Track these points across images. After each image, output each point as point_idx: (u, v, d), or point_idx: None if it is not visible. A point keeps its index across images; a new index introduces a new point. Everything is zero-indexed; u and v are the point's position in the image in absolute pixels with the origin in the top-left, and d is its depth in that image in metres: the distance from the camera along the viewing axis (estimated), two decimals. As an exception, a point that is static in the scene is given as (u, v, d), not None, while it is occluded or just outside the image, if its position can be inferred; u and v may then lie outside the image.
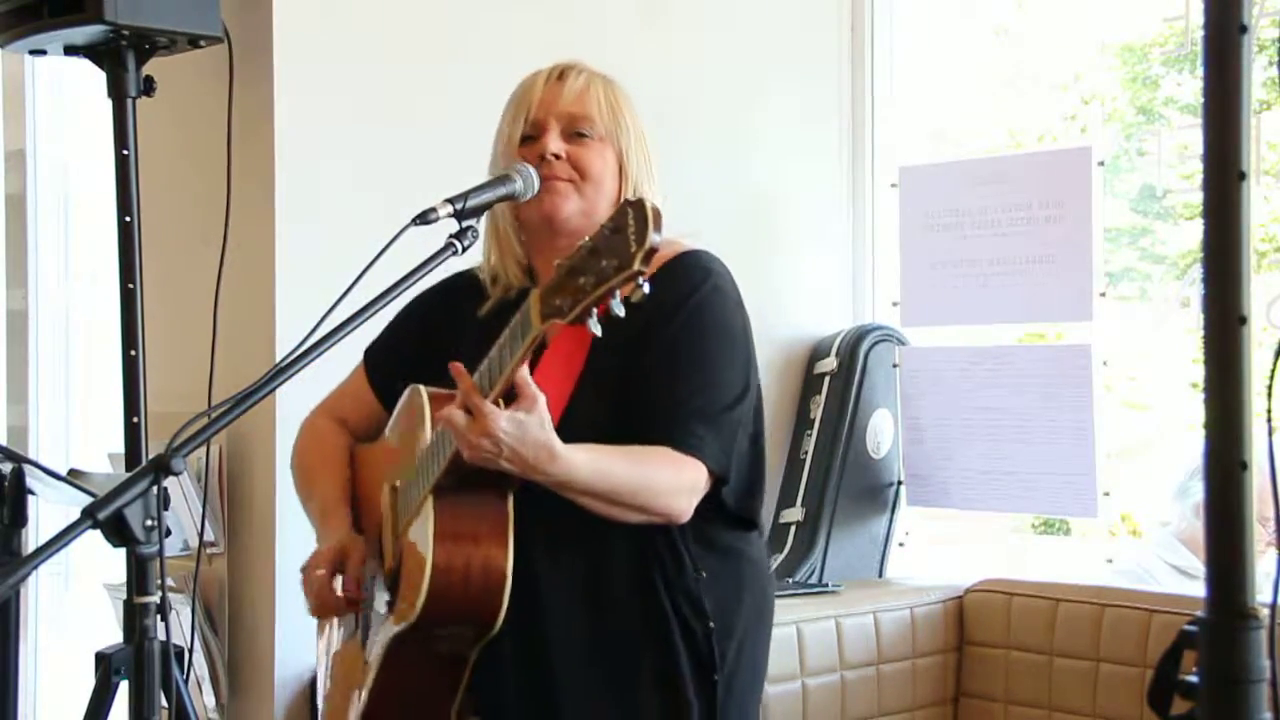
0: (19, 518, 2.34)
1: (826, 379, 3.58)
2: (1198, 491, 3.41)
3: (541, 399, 1.85)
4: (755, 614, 2.15)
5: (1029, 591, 3.17)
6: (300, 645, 2.55)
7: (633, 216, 1.65)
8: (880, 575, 3.58)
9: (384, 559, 2.15)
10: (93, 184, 3.49)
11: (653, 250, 1.63)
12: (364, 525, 2.24)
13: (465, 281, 2.24)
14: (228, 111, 2.80)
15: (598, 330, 1.69)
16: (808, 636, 3.03)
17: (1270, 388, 1.21)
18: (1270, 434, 1.21)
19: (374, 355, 2.34)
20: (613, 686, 2.05)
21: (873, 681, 3.13)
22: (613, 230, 1.67)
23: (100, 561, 3.06)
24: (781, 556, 3.45)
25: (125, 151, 2.63)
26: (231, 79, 2.79)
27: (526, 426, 1.84)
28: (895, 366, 3.57)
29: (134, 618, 2.01)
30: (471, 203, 1.99)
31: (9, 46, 2.65)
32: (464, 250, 1.99)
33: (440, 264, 1.98)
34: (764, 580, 2.21)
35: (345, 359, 2.36)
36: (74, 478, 2.55)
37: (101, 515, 1.57)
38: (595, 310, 1.68)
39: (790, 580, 3.36)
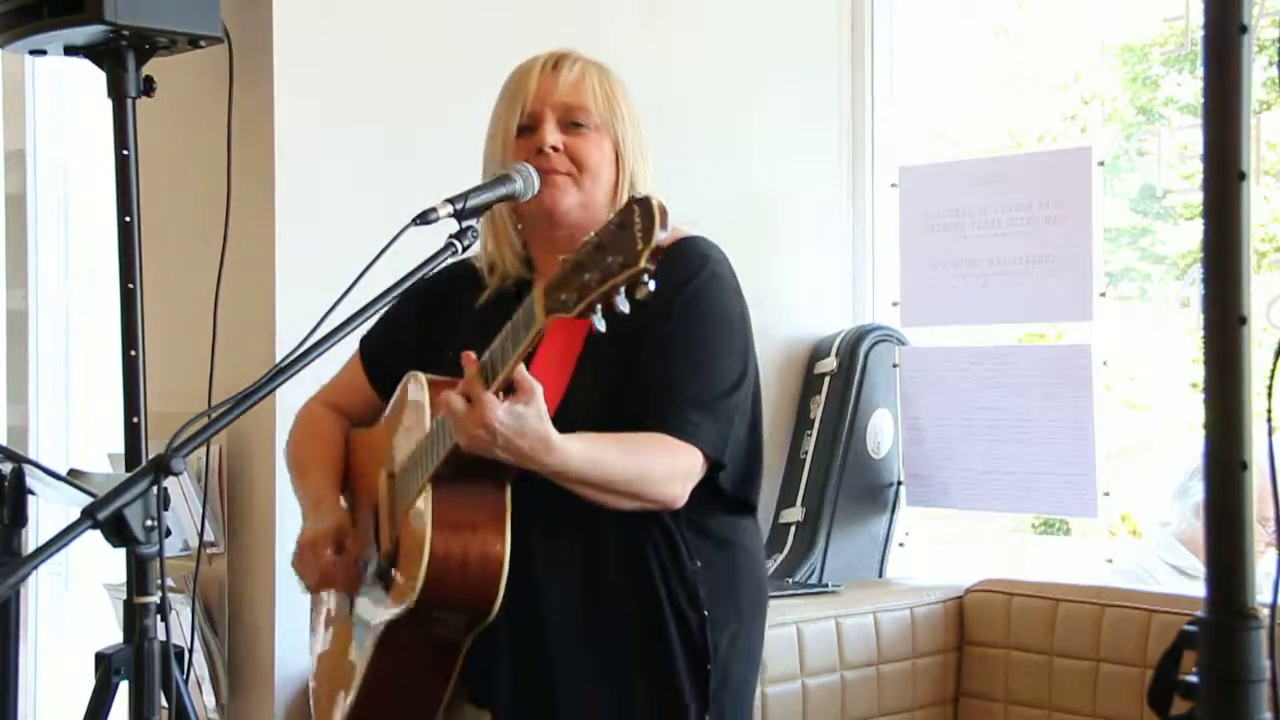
0: (19, 518, 2.34)
1: (826, 379, 3.58)
2: (1198, 491, 3.41)
3: (539, 391, 1.85)
4: (750, 605, 2.16)
5: (1029, 591, 3.17)
6: (300, 645, 2.55)
7: (640, 213, 1.65)
8: (880, 575, 3.58)
9: (380, 544, 2.15)
10: (93, 184, 3.49)
11: (659, 248, 1.63)
12: (357, 509, 2.24)
13: (462, 271, 2.24)
14: (228, 111, 2.80)
15: (602, 326, 1.69)
16: (808, 636, 3.03)
17: (1270, 388, 1.21)
18: (1270, 434, 1.21)
19: (369, 344, 2.34)
20: (608, 672, 2.06)
21: (873, 681, 3.13)
22: (619, 226, 1.66)
23: (100, 561, 3.05)
24: (781, 556, 3.45)
25: (125, 151, 2.63)
26: (231, 79, 2.79)
27: (524, 418, 1.85)
28: (895, 366, 3.57)
29: (134, 618, 2.01)
30: (471, 203, 1.99)
31: (9, 46, 2.65)
32: (464, 250, 1.99)
33: (440, 264, 1.98)
34: (759, 571, 2.22)
35: (345, 359, 2.36)
36: (74, 478, 2.55)
37: (101, 515, 1.57)
38: (599, 306, 1.68)
39: (790, 580, 3.36)
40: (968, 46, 4.15)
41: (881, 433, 3.58)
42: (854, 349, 3.56)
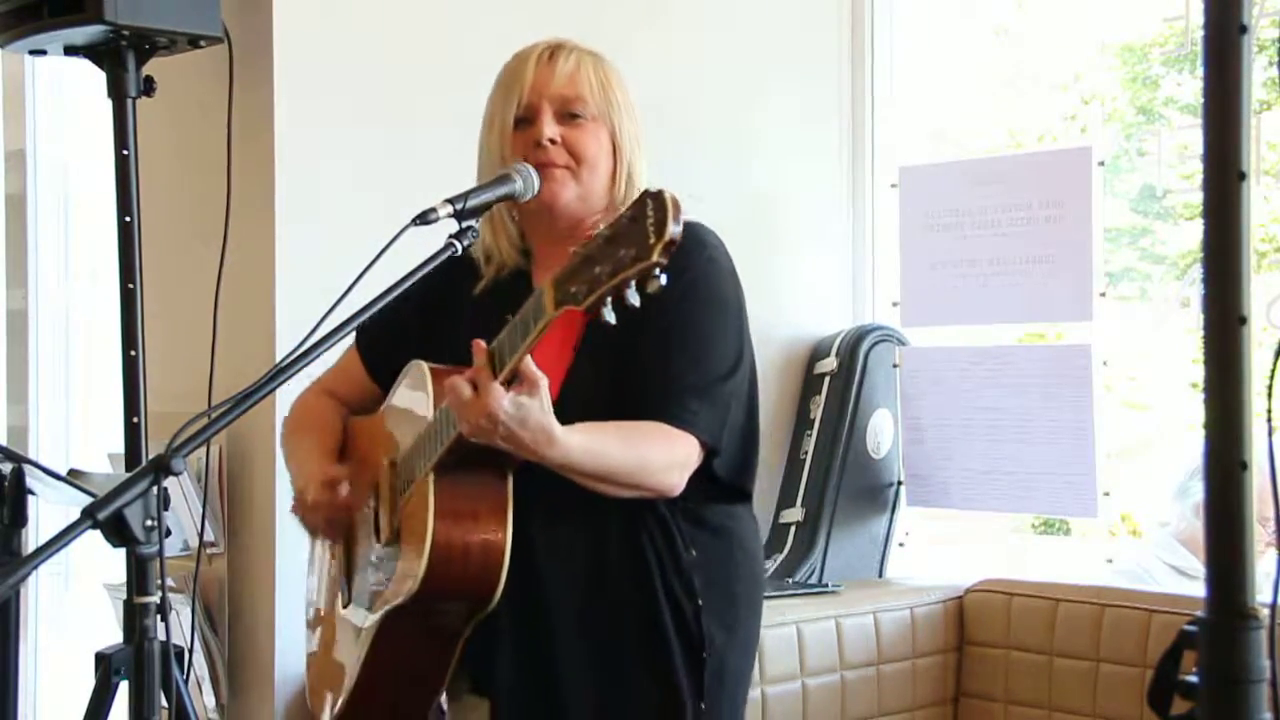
0: (19, 518, 2.34)
1: (826, 379, 3.58)
2: (1197, 491, 3.41)
3: (544, 383, 1.86)
4: (746, 595, 2.16)
5: (1029, 591, 3.17)
6: (300, 645, 2.55)
7: (653, 207, 1.64)
8: (880, 575, 3.58)
9: (380, 532, 2.15)
10: (93, 184, 3.49)
11: (672, 242, 1.63)
12: (357, 496, 2.24)
13: (458, 260, 2.24)
14: (228, 112, 2.80)
15: (612, 319, 1.69)
16: (808, 636, 3.03)
17: (1270, 388, 1.21)
18: (1270, 434, 1.21)
19: (366, 333, 2.33)
20: (606, 660, 2.07)
21: (873, 681, 3.13)
22: (631, 219, 1.66)
23: (100, 561, 3.05)
24: (781, 556, 3.45)
25: (125, 151, 2.63)
26: (231, 79, 2.79)
27: (528, 410, 1.85)
28: (895, 366, 3.57)
29: (134, 618, 2.01)
30: (471, 203, 1.99)
31: (9, 46, 2.65)
32: (464, 250, 1.99)
33: (439, 262, 1.98)
34: (754, 562, 2.23)
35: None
36: (74, 478, 2.55)
37: (101, 515, 1.57)
38: (609, 299, 1.68)
39: (790, 580, 3.36)
40: (968, 46, 4.15)
41: (881, 433, 3.58)
42: (854, 349, 3.56)
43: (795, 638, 3.01)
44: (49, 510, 3.11)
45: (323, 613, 2.37)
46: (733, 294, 2.15)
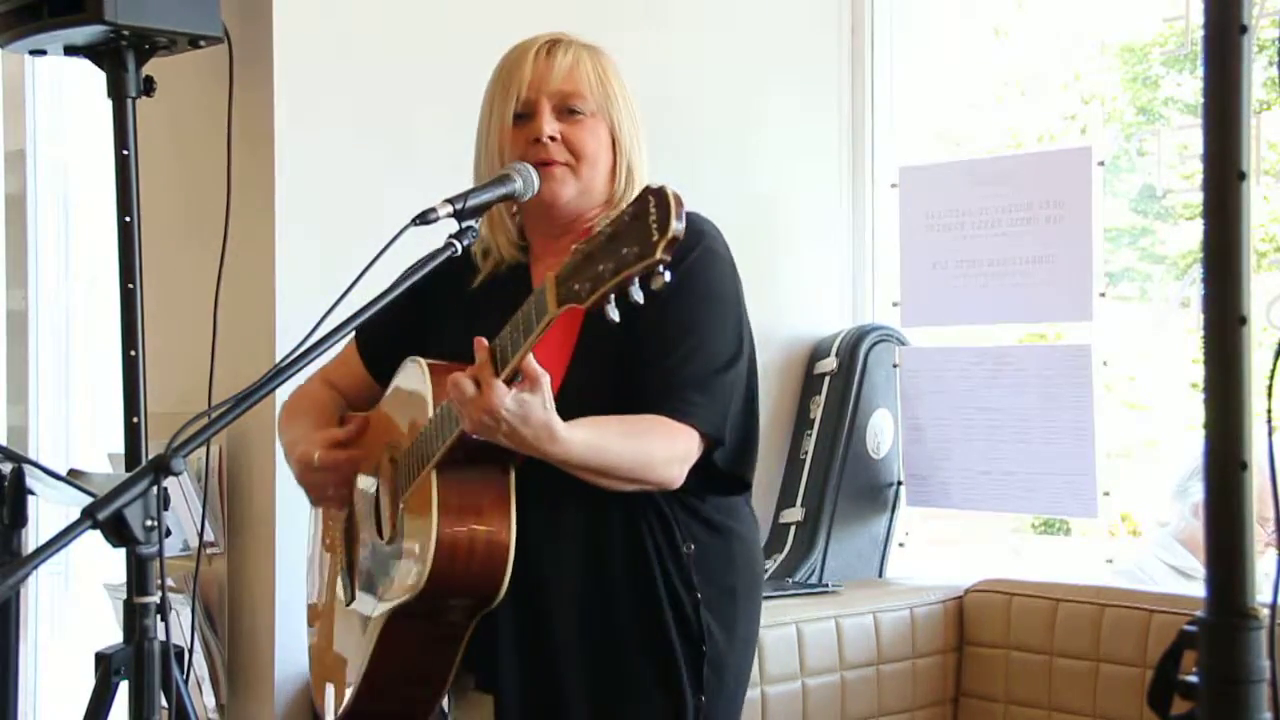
0: (19, 518, 2.34)
1: (826, 379, 3.58)
2: (1197, 491, 3.41)
3: (546, 380, 1.86)
4: (745, 590, 2.16)
5: (1029, 591, 3.17)
6: (300, 645, 2.55)
7: (655, 204, 1.64)
8: (880, 575, 3.58)
9: (382, 529, 2.15)
10: (93, 184, 3.49)
11: (675, 239, 1.63)
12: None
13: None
14: (228, 112, 2.80)
15: (616, 317, 1.69)
16: (808, 636, 3.03)
17: (1270, 388, 1.21)
18: (1270, 434, 1.21)
19: (365, 327, 2.33)
20: (608, 653, 2.07)
21: (873, 681, 3.13)
22: (633, 217, 1.66)
23: (100, 561, 3.06)
24: (781, 556, 3.45)
25: (125, 151, 2.63)
26: (231, 79, 2.79)
27: (530, 407, 1.85)
28: (895, 366, 3.57)
29: (134, 618, 2.00)
30: (471, 203, 1.99)
31: (9, 46, 2.65)
32: (463, 250, 1.99)
33: (438, 262, 1.98)
34: (752, 557, 2.23)
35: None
36: (74, 478, 2.55)
37: (101, 515, 1.57)
38: (613, 296, 1.68)
39: (790, 580, 3.36)
40: (968, 47, 4.14)
41: (881, 433, 3.58)
42: (854, 349, 3.56)
43: (795, 638, 3.01)
44: (49, 510, 3.11)
45: (324, 608, 2.37)
46: (731, 283, 2.14)
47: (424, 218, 1.96)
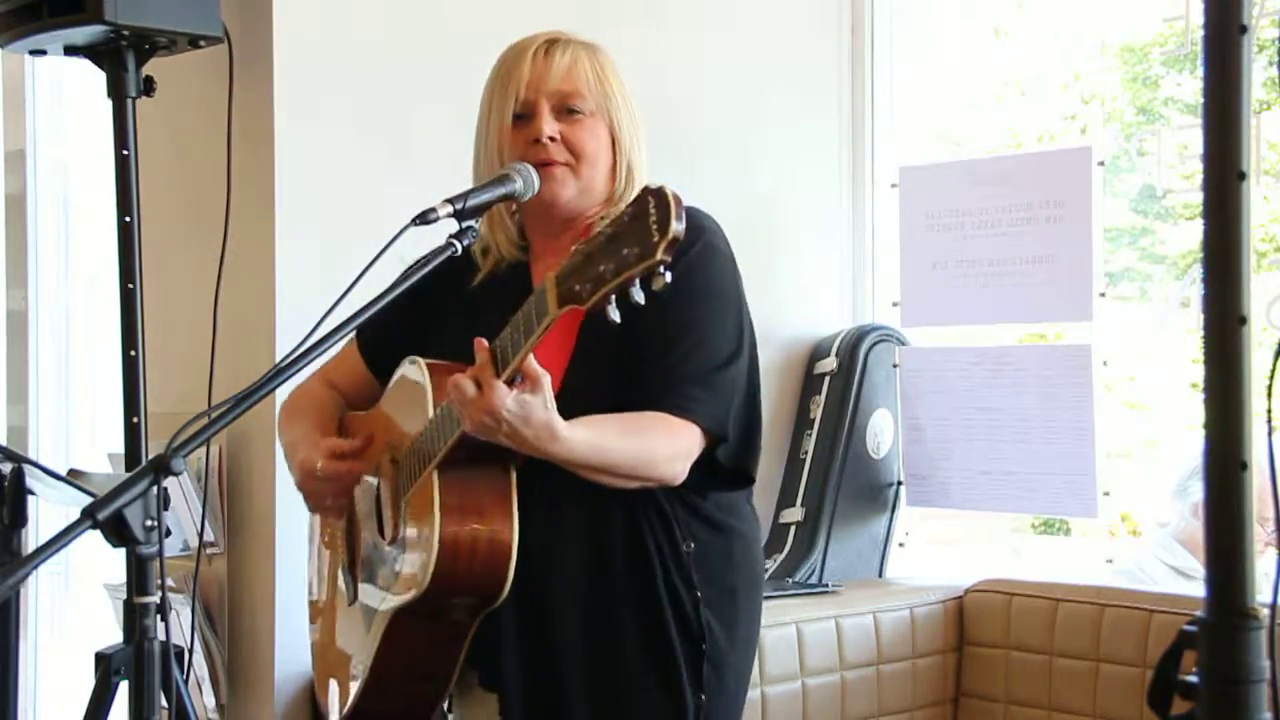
0: (19, 518, 2.34)
1: (826, 379, 3.58)
2: (1196, 491, 3.41)
3: (547, 380, 1.86)
4: (745, 589, 2.16)
5: (1029, 591, 3.17)
6: (300, 645, 2.55)
7: (654, 204, 1.64)
8: (880, 575, 3.58)
9: (384, 530, 2.15)
10: (93, 184, 3.49)
11: (676, 239, 1.63)
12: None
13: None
14: (228, 112, 2.80)
15: (617, 317, 1.69)
16: (808, 636, 3.03)
17: (1270, 388, 1.21)
18: (1270, 434, 1.21)
19: (366, 326, 2.33)
20: (609, 651, 2.07)
21: (873, 681, 3.13)
22: (633, 217, 1.66)
23: (100, 561, 3.06)
24: (781, 556, 3.45)
25: (125, 151, 2.63)
26: (231, 79, 2.79)
27: (531, 407, 1.85)
28: (895, 366, 3.57)
29: (134, 618, 2.01)
30: (471, 203, 1.99)
31: (9, 46, 2.65)
32: (463, 250, 1.99)
33: (438, 261, 1.98)
34: (754, 560, 2.22)
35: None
36: (74, 478, 2.55)
37: (101, 515, 1.57)
38: (613, 297, 1.68)
39: (790, 580, 3.36)
40: (968, 47, 4.15)
41: (881, 433, 3.58)
42: (854, 349, 3.56)
43: (795, 638, 3.01)
44: (49, 510, 3.11)
45: (326, 605, 2.37)
46: (731, 279, 2.14)
47: (424, 218, 1.96)
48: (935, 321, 3.60)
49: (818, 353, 3.62)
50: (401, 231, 1.93)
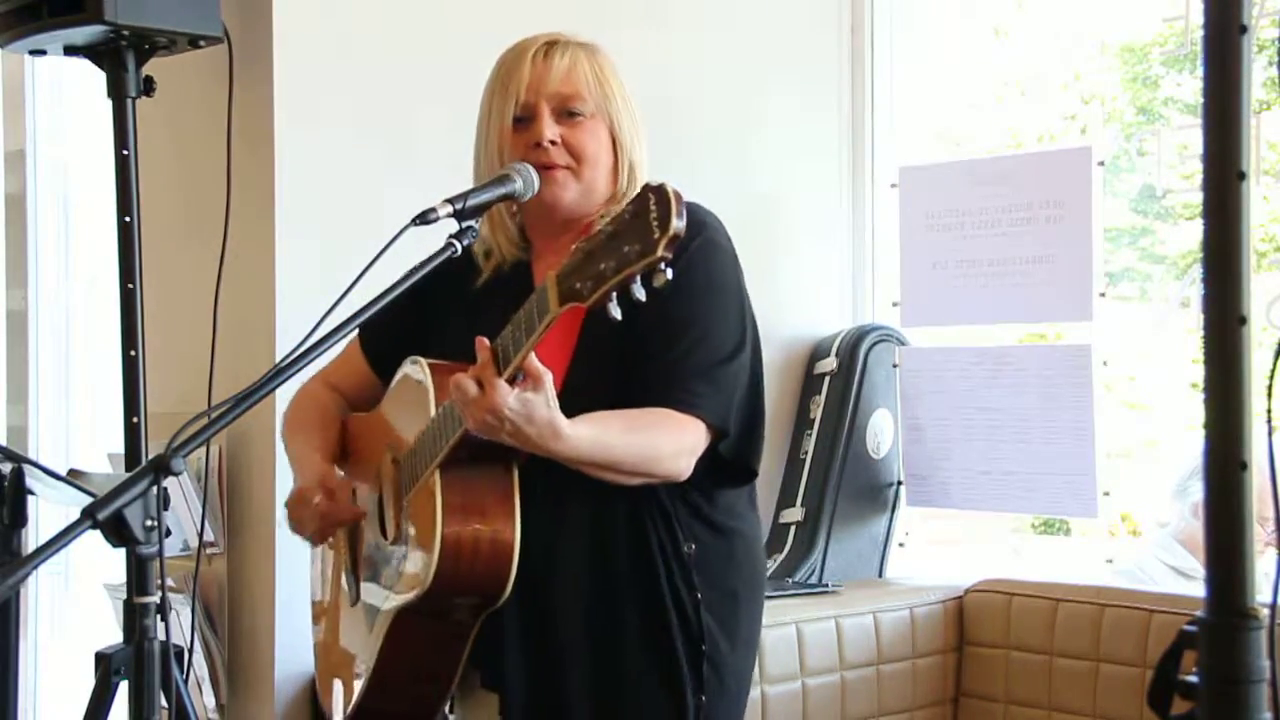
0: (19, 518, 2.34)
1: (826, 379, 3.58)
2: (1196, 491, 3.41)
3: (549, 379, 1.86)
4: (746, 590, 2.16)
5: (1029, 591, 3.17)
6: (300, 645, 2.56)
7: (655, 201, 1.64)
8: (880, 575, 3.58)
9: (386, 530, 2.15)
10: (93, 184, 3.49)
11: (676, 236, 1.63)
12: (358, 493, 2.24)
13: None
14: (228, 112, 2.80)
15: (618, 315, 1.69)
16: (808, 636, 3.03)
17: (1270, 388, 1.21)
18: (1270, 434, 1.21)
19: (368, 326, 2.33)
20: (611, 649, 2.07)
21: (873, 681, 3.13)
22: (633, 215, 1.66)
23: (100, 561, 3.06)
24: (781, 556, 3.45)
25: (125, 151, 2.63)
26: (231, 79, 2.79)
27: (533, 406, 1.85)
28: (895, 366, 3.57)
29: (134, 618, 2.00)
30: (471, 203, 1.99)
31: (9, 46, 2.65)
32: (465, 251, 1.99)
33: (438, 262, 1.98)
34: (756, 561, 2.23)
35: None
36: (74, 478, 2.55)
37: (101, 515, 1.57)
38: (614, 294, 1.68)
39: (790, 580, 3.36)
40: (968, 47, 4.15)
41: (881, 433, 3.58)
42: (854, 349, 3.56)
43: (795, 638, 3.01)
44: (49, 510, 3.11)
45: (329, 605, 2.37)
46: (732, 273, 2.14)
47: (424, 218, 1.96)
48: (935, 321, 3.60)
49: (818, 353, 3.62)
50: (401, 231, 1.93)
